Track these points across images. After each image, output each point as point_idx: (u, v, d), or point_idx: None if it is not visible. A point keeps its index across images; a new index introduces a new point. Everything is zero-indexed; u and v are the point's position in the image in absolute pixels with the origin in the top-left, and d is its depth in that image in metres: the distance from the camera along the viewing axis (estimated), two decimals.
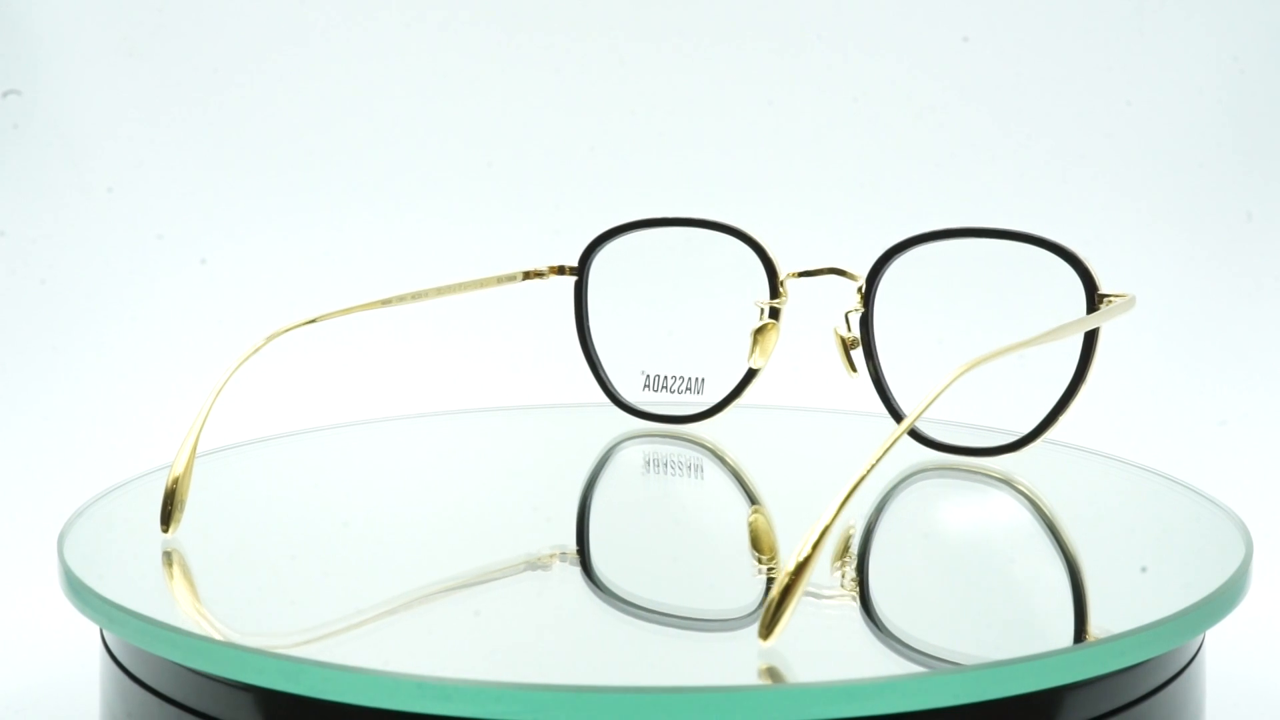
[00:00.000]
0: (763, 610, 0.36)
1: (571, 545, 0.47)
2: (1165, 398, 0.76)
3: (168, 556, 0.45)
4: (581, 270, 0.58)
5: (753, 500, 0.51)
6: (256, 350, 0.50)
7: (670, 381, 0.56)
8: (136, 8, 0.80)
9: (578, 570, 0.45)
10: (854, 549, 0.44)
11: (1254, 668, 0.55)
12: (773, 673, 0.36)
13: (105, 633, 0.42)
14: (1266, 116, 0.79)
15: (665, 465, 0.55)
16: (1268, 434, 0.73)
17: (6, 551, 0.63)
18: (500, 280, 0.58)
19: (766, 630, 0.36)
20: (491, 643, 0.39)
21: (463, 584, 0.44)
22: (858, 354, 0.52)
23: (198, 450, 0.47)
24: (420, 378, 0.79)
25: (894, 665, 0.38)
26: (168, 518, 0.46)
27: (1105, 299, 0.48)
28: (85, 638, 0.47)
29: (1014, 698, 0.37)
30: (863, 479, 0.37)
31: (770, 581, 0.41)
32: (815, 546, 0.36)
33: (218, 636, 0.38)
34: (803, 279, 0.54)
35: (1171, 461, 0.61)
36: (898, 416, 0.51)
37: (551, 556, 0.45)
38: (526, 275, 0.58)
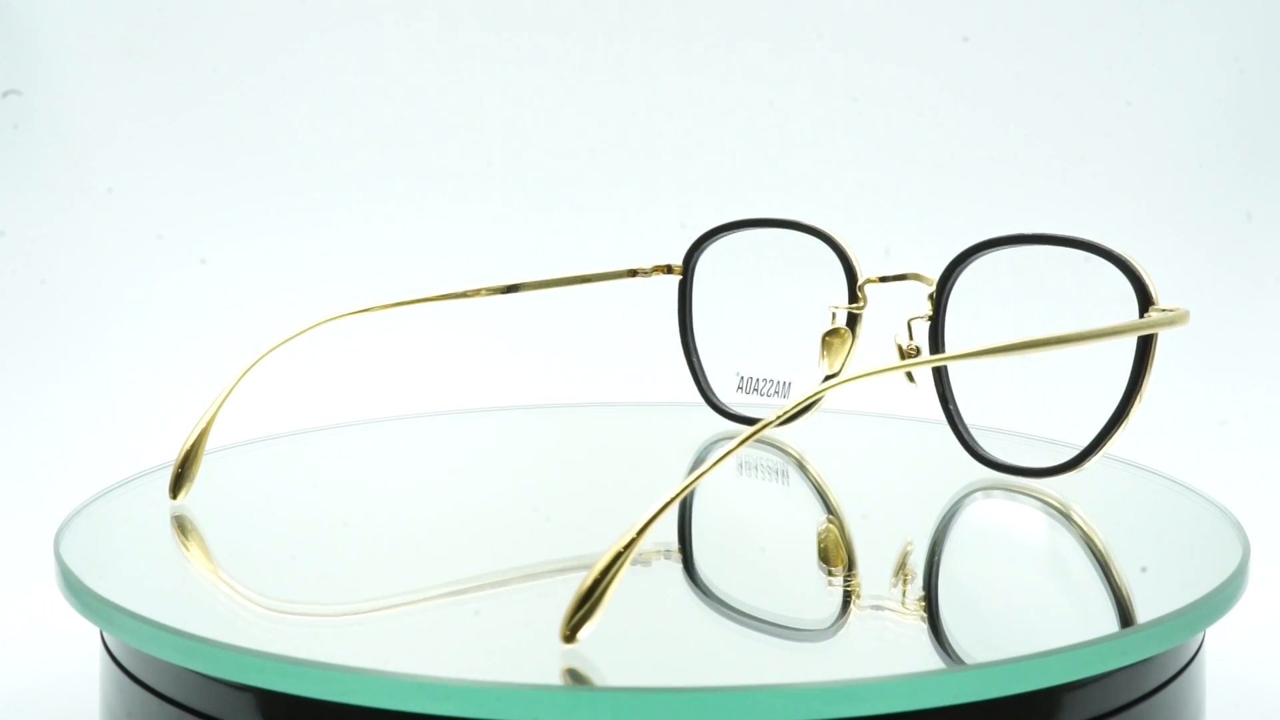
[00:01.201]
0: (565, 614, 0.36)
1: (673, 542, 0.47)
2: (1165, 398, 0.76)
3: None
4: (686, 269, 0.58)
5: (829, 508, 0.50)
6: (304, 331, 0.52)
7: (761, 384, 0.55)
8: (136, 8, 0.80)
9: (679, 567, 0.45)
10: (912, 565, 0.44)
11: (1254, 668, 0.55)
12: (575, 674, 0.36)
13: (105, 633, 0.42)
14: (1266, 116, 0.79)
15: (755, 469, 0.54)
16: (1268, 434, 0.73)
17: (6, 551, 0.63)
18: (604, 277, 0.57)
19: (570, 632, 0.36)
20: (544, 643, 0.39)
21: (559, 569, 0.44)
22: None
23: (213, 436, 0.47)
24: (489, 372, 0.79)
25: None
26: (178, 485, 0.47)
27: (1156, 312, 0.47)
28: (85, 637, 0.47)
29: (1014, 697, 0.37)
30: (699, 479, 0.38)
31: (848, 595, 0.41)
32: (618, 557, 0.37)
33: (237, 601, 0.38)
34: (882, 284, 0.52)
35: (1171, 461, 0.61)
36: (957, 428, 0.50)
37: (655, 553, 0.45)
38: (632, 273, 0.57)
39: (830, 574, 0.44)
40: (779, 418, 0.40)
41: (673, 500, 0.38)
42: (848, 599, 0.42)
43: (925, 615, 0.40)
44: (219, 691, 0.38)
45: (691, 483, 0.39)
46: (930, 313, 0.50)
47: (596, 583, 0.37)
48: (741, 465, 0.54)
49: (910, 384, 0.50)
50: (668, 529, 0.48)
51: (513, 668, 0.38)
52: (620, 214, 0.82)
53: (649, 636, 0.40)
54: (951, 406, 0.50)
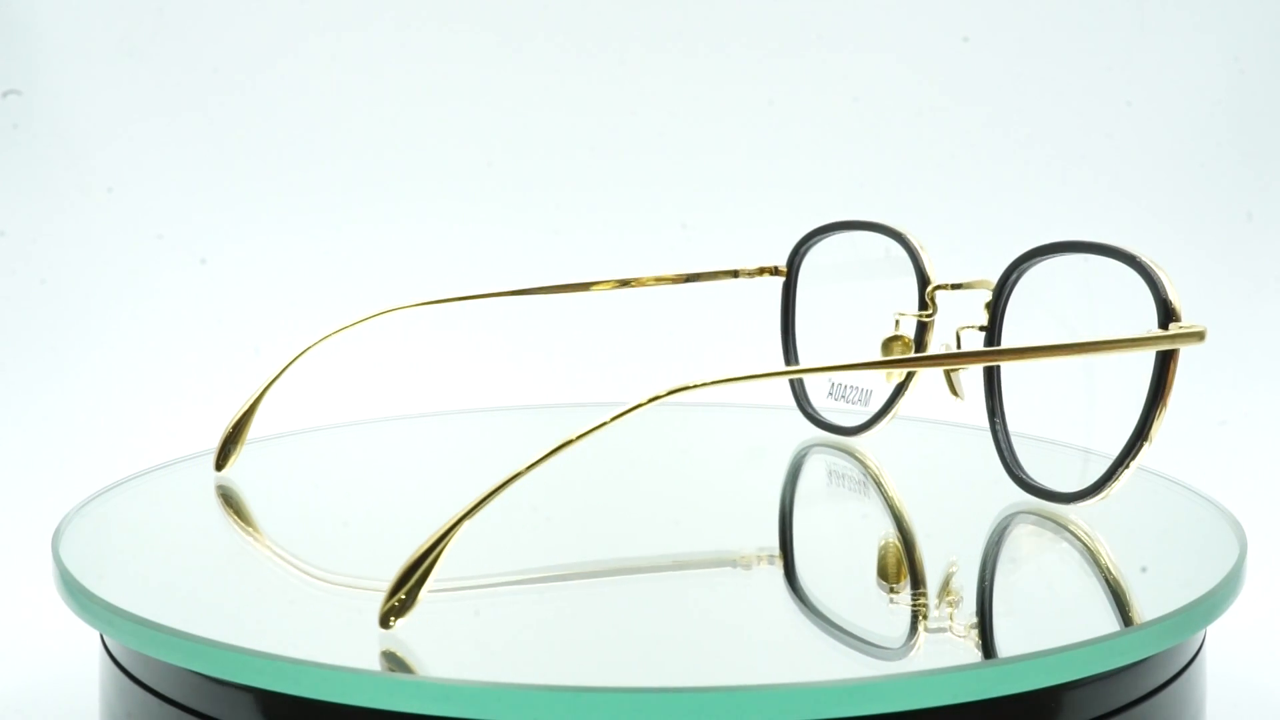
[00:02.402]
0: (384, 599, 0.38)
1: (770, 547, 0.46)
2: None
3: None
4: (791, 271, 0.57)
5: (899, 520, 0.50)
6: (365, 320, 0.52)
7: (849, 391, 0.54)
8: (136, 8, 0.80)
9: (780, 573, 0.44)
10: (957, 586, 0.43)
11: (1254, 668, 0.55)
12: (393, 658, 0.37)
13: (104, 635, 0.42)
14: (1266, 116, 0.79)
15: (841, 478, 0.54)
16: (1268, 434, 0.73)
17: (6, 550, 0.63)
18: (705, 276, 0.56)
19: (384, 620, 0.38)
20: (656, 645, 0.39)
21: (656, 567, 0.44)
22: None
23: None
24: (513, 372, 0.79)
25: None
26: (225, 456, 0.50)
27: (1175, 328, 0.46)
28: (85, 637, 0.47)
29: (1015, 697, 0.37)
30: (509, 483, 0.40)
31: (916, 614, 0.41)
32: (430, 551, 0.38)
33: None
34: (954, 291, 0.51)
35: (1171, 461, 0.61)
36: (999, 445, 0.48)
37: (754, 557, 0.45)
38: (733, 274, 0.56)
39: (891, 591, 0.43)
40: (609, 420, 0.41)
41: (502, 487, 0.39)
42: (905, 615, 0.42)
43: (925, 615, 0.41)
44: (219, 692, 0.38)
45: (528, 469, 0.40)
46: (985, 321, 0.48)
47: (416, 564, 0.38)
48: (831, 474, 0.54)
49: (957, 398, 0.49)
50: (768, 534, 0.48)
51: (511, 668, 0.38)
52: (620, 214, 0.82)
53: (713, 638, 0.40)
54: (999, 420, 0.48)
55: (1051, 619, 0.41)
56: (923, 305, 0.51)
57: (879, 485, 0.52)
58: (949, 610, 0.41)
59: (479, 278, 0.80)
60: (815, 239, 0.57)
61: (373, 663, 0.36)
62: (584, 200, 0.81)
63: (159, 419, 0.75)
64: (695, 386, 0.40)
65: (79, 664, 0.52)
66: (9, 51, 0.78)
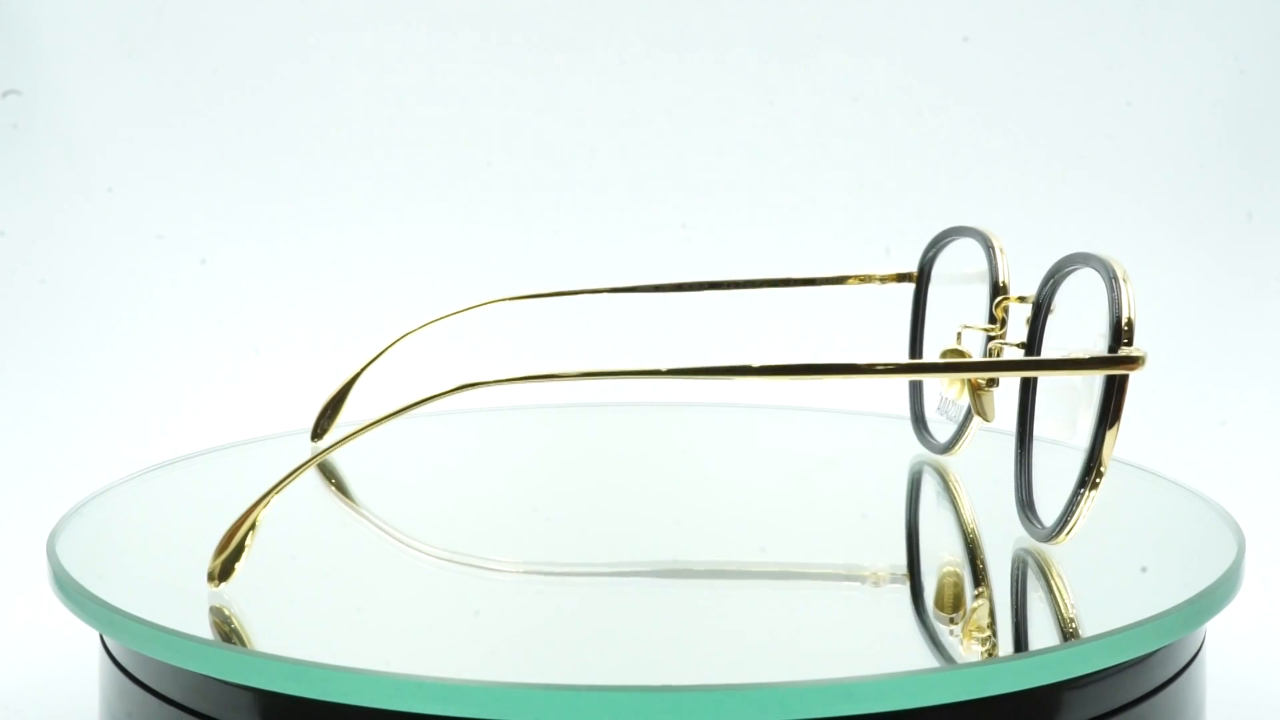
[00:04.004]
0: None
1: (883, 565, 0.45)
2: (1165, 398, 0.76)
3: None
4: (921, 277, 0.53)
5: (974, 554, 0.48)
6: (467, 310, 0.54)
7: (949, 407, 0.50)
8: (136, 8, 0.80)
9: (905, 590, 0.43)
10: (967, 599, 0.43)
11: (1254, 668, 0.55)
12: (220, 615, 0.39)
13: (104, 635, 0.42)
14: (1266, 116, 0.79)
15: (938, 491, 0.52)
16: (1268, 434, 0.73)
17: (6, 550, 0.63)
18: (832, 280, 0.54)
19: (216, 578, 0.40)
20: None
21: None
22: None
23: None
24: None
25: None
26: (320, 431, 0.54)
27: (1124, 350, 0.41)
28: (85, 637, 0.47)
29: (1014, 697, 0.37)
30: (280, 486, 0.41)
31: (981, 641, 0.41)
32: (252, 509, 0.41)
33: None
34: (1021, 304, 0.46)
35: (1171, 461, 0.61)
36: (1020, 471, 0.45)
37: (881, 575, 0.44)
38: (860, 279, 0.53)
39: (950, 622, 0.42)
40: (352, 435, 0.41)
41: (298, 471, 0.41)
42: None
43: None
44: (219, 692, 0.38)
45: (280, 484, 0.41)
46: (1025, 338, 0.45)
47: (230, 536, 0.41)
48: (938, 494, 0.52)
49: (986, 421, 0.47)
50: (896, 552, 0.46)
51: (513, 668, 0.38)
52: (620, 214, 0.82)
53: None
54: (1026, 447, 0.45)
55: (1051, 618, 0.41)
56: (991, 319, 0.48)
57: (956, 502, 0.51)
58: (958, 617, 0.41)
59: (479, 278, 0.80)
60: (942, 243, 0.53)
61: (373, 663, 0.36)
62: (584, 200, 0.81)
63: (159, 419, 0.75)
64: (482, 385, 0.41)
65: (79, 664, 0.52)
66: (9, 51, 0.78)
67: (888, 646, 0.39)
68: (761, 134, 0.82)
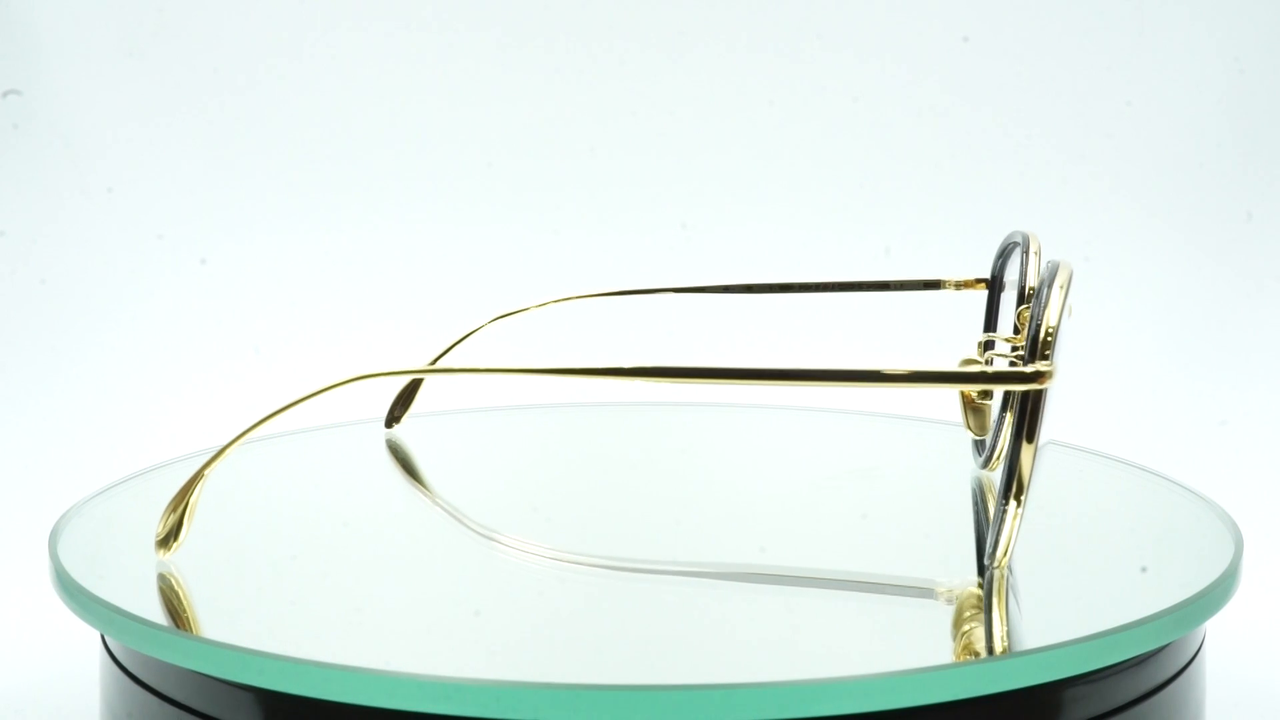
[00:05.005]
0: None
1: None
2: (1165, 398, 0.76)
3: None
4: (994, 284, 0.50)
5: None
6: (538, 306, 0.55)
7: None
8: (136, 8, 0.80)
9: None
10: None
11: (1254, 668, 0.55)
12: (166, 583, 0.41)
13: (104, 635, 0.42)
14: (1266, 116, 0.79)
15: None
16: (1268, 434, 0.73)
17: (6, 550, 0.63)
18: (906, 285, 0.52)
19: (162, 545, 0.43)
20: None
21: (778, 571, 0.44)
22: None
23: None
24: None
25: None
26: (394, 419, 0.56)
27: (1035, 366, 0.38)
28: (85, 637, 0.47)
29: (1015, 695, 0.37)
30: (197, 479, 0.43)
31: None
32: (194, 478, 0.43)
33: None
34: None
35: (1171, 461, 0.61)
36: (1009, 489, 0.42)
37: (956, 592, 0.42)
38: (935, 284, 0.51)
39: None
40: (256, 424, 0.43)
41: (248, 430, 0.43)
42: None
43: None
44: (219, 692, 0.38)
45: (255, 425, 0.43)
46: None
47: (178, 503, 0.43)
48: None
49: (978, 435, 0.46)
50: (897, 552, 0.45)
51: (513, 667, 0.38)
52: (620, 214, 0.82)
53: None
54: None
55: (1050, 618, 0.41)
56: (1015, 329, 0.46)
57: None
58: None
59: (479, 278, 0.80)
60: (1012, 248, 0.50)
61: (373, 662, 0.36)
62: (584, 200, 0.81)
63: (159, 419, 0.75)
64: (375, 376, 0.43)
65: (79, 664, 0.52)
66: (9, 51, 0.78)
67: (888, 646, 0.39)
68: (761, 134, 0.82)
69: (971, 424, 0.46)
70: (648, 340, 0.78)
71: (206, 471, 0.43)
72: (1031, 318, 0.39)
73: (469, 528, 0.49)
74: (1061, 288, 0.39)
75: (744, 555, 0.46)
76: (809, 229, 0.81)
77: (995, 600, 0.41)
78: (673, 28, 0.82)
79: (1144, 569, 0.44)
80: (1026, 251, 0.47)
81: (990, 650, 0.38)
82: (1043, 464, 0.50)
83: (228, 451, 0.43)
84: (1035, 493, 0.49)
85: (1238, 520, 0.46)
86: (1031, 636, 0.40)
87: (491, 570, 0.45)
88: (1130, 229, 0.79)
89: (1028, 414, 0.39)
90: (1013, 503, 0.39)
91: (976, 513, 0.49)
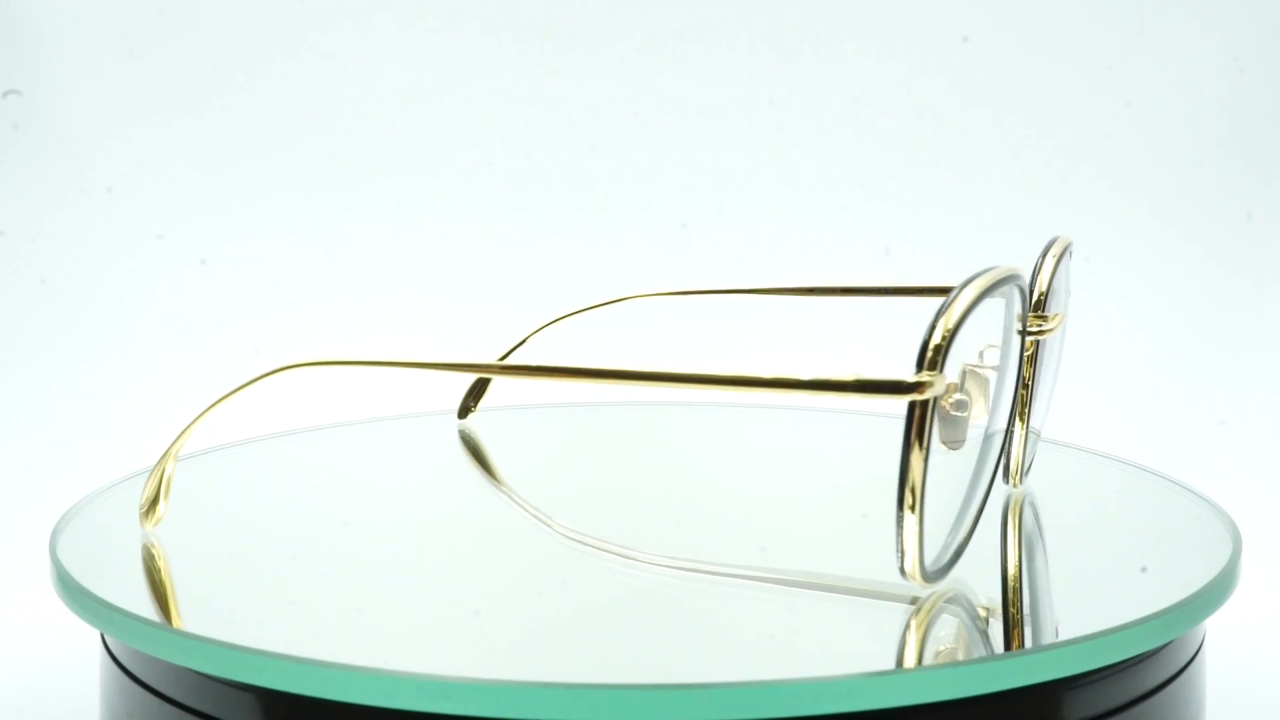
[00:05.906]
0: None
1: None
2: (1165, 398, 0.76)
3: (167, 556, 0.45)
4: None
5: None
6: (612, 302, 0.57)
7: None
8: (136, 8, 0.80)
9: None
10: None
11: (1254, 668, 0.55)
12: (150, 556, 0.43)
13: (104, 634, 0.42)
14: (1266, 116, 0.79)
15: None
16: (1267, 434, 0.73)
17: (6, 550, 0.63)
18: (925, 292, 0.51)
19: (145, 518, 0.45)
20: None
21: (778, 571, 0.44)
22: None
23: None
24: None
25: None
26: (465, 411, 0.57)
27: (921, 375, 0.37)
28: (85, 636, 0.47)
29: (1014, 694, 0.37)
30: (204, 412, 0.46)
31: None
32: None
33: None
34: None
35: (1171, 461, 0.61)
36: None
37: (986, 612, 0.42)
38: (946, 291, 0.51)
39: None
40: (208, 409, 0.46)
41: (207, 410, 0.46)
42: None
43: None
44: (219, 691, 0.38)
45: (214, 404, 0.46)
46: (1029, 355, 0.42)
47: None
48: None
49: (950, 449, 0.46)
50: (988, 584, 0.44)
51: (513, 666, 0.38)
52: (620, 214, 0.82)
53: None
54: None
55: (1050, 618, 0.41)
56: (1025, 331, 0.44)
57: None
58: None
59: (479, 277, 0.80)
60: (1045, 258, 0.47)
61: (373, 662, 0.36)
62: (584, 200, 0.81)
63: (159, 419, 0.75)
64: (313, 364, 0.45)
65: (79, 664, 0.52)
66: (9, 51, 0.78)
67: (888, 646, 0.39)
68: (761, 133, 0.82)
69: (942, 434, 0.44)
70: (648, 340, 0.78)
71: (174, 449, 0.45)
72: (930, 324, 0.38)
73: (469, 527, 0.49)
74: (967, 300, 0.38)
75: (744, 555, 0.46)
76: (809, 229, 0.81)
77: (1001, 599, 0.41)
78: (673, 28, 0.82)
79: (1144, 569, 0.44)
80: (1044, 255, 0.46)
81: (990, 650, 0.38)
82: (1043, 464, 0.50)
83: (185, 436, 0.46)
84: (1035, 493, 0.49)
85: (1237, 520, 0.46)
86: (1033, 636, 0.40)
87: (491, 570, 0.45)
88: (1130, 229, 0.79)
89: (914, 422, 0.38)
90: (906, 512, 0.38)
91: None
